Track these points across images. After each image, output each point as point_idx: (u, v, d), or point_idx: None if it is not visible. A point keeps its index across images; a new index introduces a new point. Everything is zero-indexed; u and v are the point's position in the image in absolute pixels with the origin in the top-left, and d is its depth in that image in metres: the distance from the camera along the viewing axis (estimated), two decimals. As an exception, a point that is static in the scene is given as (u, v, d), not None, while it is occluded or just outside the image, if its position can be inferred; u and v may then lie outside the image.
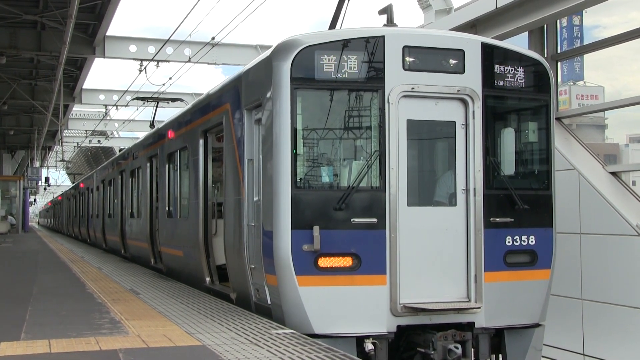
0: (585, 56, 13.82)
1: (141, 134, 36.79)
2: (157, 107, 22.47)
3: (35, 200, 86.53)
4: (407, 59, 8.15)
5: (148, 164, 16.23)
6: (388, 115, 8.03)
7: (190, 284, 12.08)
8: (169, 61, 26.34)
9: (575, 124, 13.79)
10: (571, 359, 11.64)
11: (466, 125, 8.33)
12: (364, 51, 8.03)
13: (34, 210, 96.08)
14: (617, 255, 11.00)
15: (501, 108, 8.80)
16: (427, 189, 8.55)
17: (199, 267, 11.34)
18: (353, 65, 7.98)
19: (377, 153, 8.03)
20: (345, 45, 7.99)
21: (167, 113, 28.09)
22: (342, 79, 7.97)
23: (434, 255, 8.15)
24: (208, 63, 26.65)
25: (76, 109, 44.04)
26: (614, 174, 11.76)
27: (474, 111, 8.30)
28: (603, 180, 11.64)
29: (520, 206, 8.41)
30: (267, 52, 8.42)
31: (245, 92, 9.15)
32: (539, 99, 8.89)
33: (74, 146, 58.34)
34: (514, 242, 8.43)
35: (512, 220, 8.42)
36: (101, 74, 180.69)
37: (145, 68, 26.25)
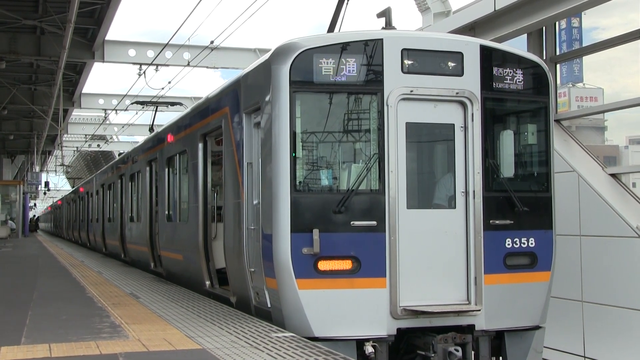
0: (584, 58, 13.82)
1: (140, 138, 36.84)
2: (156, 111, 22.51)
3: (35, 204, 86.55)
4: (406, 61, 8.16)
5: (147, 168, 16.23)
6: (387, 118, 8.03)
7: (190, 288, 12.08)
8: (168, 65, 26.37)
9: (575, 125, 13.79)
10: (572, 361, 11.64)
11: (465, 127, 8.33)
12: (362, 54, 8.03)
13: (35, 214, 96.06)
14: (617, 257, 10.99)
15: (500, 110, 8.80)
16: (426, 192, 8.54)
17: (199, 271, 11.33)
18: (352, 68, 7.99)
19: (376, 156, 8.03)
20: (344, 48, 8.00)
21: (167, 117, 28.06)
22: (341, 82, 7.97)
23: (433, 258, 8.14)
24: (207, 67, 26.67)
25: (75, 114, 44.07)
26: (613, 175, 11.75)
27: (472, 113, 8.31)
28: (603, 182, 11.63)
29: (519, 208, 8.41)
30: (266, 56, 8.42)
31: (244, 96, 9.15)
32: (538, 101, 8.89)
33: (74, 150, 58.42)
34: (514, 245, 8.43)
35: (512, 222, 8.42)
36: (100, 78, 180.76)
37: (144, 72, 26.29)
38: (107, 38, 25.73)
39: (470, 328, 8.17)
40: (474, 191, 8.26)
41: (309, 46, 7.95)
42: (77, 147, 56.22)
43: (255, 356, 6.48)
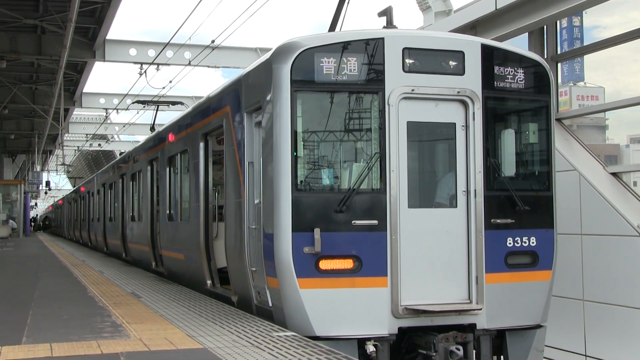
0: (586, 57, 13.82)
1: (141, 137, 36.83)
2: (157, 110, 22.51)
3: (36, 204, 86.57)
4: (407, 60, 8.15)
5: (148, 168, 16.23)
6: (388, 117, 8.03)
7: (192, 287, 12.08)
8: (169, 64, 26.38)
9: (576, 124, 13.80)
10: (573, 360, 11.64)
11: (466, 126, 8.33)
12: (363, 53, 8.03)
13: (38, 214, 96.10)
14: (618, 256, 11.00)
15: (501, 109, 8.80)
16: (427, 191, 8.54)
17: (200, 270, 11.34)
18: (353, 67, 7.99)
19: (377, 155, 8.03)
20: (345, 47, 7.99)
21: (168, 116, 28.08)
22: (342, 81, 7.97)
23: (435, 257, 8.14)
24: (208, 66, 26.68)
25: (76, 113, 44.10)
26: (614, 174, 11.76)
27: (474, 112, 8.30)
28: (604, 181, 11.64)
29: (521, 207, 8.40)
30: (267, 55, 8.42)
31: (246, 95, 9.15)
32: (539, 100, 8.88)
33: (75, 150, 58.43)
34: (515, 244, 8.42)
35: (513, 221, 8.41)
36: (101, 77, 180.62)
37: (145, 71, 26.29)
38: (108, 37, 25.74)
39: (472, 327, 8.17)
40: (475, 190, 8.25)
41: (310, 45, 7.95)
42: (78, 147, 56.24)
43: (256, 355, 6.48)
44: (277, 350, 6.69)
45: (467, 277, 8.22)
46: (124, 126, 45.81)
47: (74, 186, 60.40)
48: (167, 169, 14.21)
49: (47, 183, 60.44)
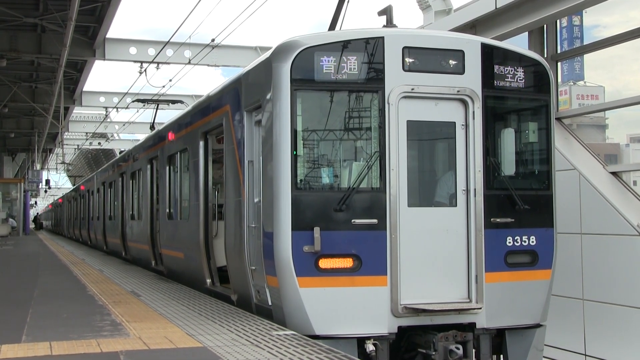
0: (586, 56, 13.82)
1: (141, 136, 36.80)
2: (157, 109, 22.52)
3: (35, 202, 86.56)
4: (407, 59, 8.15)
5: (148, 166, 16.23)
6: (388, 116, 8.03)
7: (191, 286, 12.08)
8: (169, 63, 26.36)
9: (576, 124, 13.79)
10: (572, 359, 11.64)
11: (466, 125, 8.33)
12: (363, 52, 8.03)
13: (37, 212, 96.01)
14: (618, 255, 11.00)
15: (501, 108, 8.80)
16: (427, 190, 8.54)
17: (200, 269, 11.34)
18: (353, 66, 7.98)
19: (377, 154, 8.02)
20: (345, 46, 7.99)
21: (167, 115, 28.07)
22: (342, 80, 7.96)
23: (434, 256, 8.14)
24: (208, 65, 26.67)
25: (76, 112, 44.08)
26: (614, 173, 11.75)
27: (473, 112, 8.30)
28: (604, 180, 11.63)
29: (520, 206, 8.40)
30: (267, 54, 8.42)
31: (245, 94, 9.15)
32: (539, 99, 8.88)
33: (75, 148, 58.40)
34: (515, 243, 8.42)
35: (513, 220, 8.41)
36: (101, 76, 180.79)
37: (145, 70, 26.27)
38: (108, 36, 25.73)
39: (471, 326, 8.17)
40: (474, 189, 8.25)
41: (310, 44, 7.95)
42: (78, 145, 56.21)
43: (256, 354, 6.48)
44: (276, 349, 6.69)
45: (466, 276, 8.22)
46: (124, 125, 45.77)
47: (74, 185, 60.41)
48: (167, 168, 14.21)
49: (47, 181, 60.44)
